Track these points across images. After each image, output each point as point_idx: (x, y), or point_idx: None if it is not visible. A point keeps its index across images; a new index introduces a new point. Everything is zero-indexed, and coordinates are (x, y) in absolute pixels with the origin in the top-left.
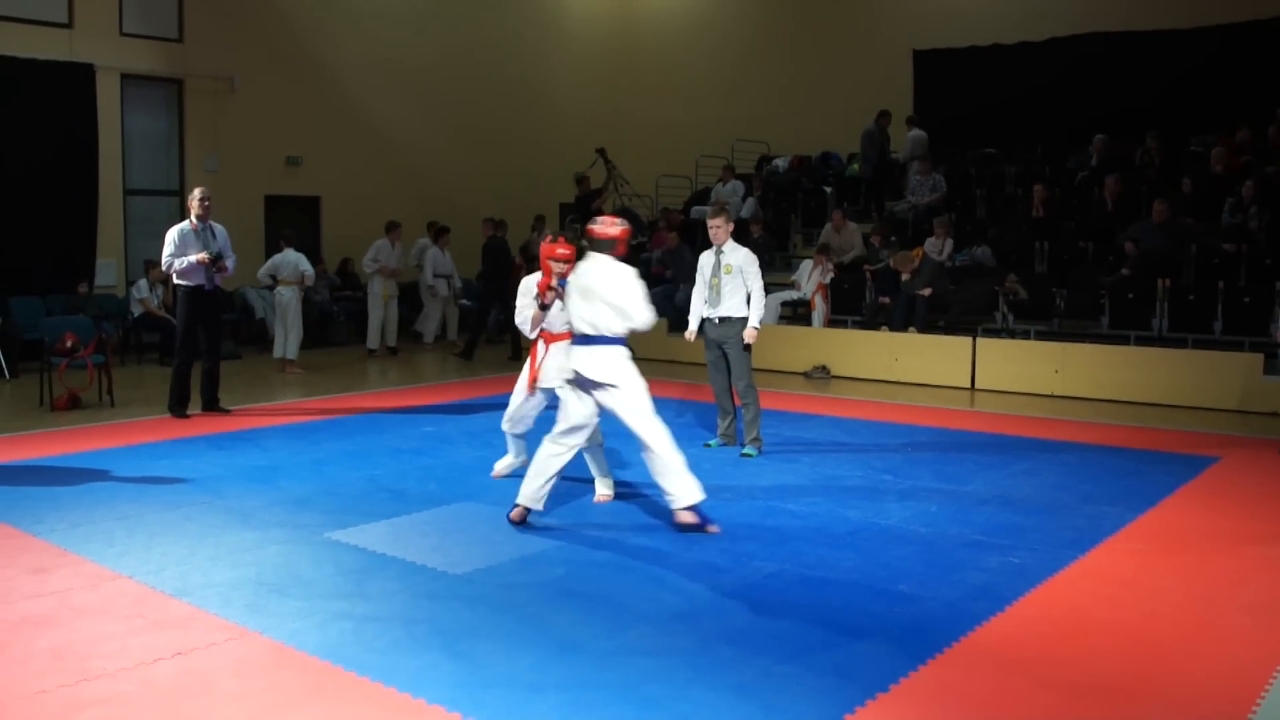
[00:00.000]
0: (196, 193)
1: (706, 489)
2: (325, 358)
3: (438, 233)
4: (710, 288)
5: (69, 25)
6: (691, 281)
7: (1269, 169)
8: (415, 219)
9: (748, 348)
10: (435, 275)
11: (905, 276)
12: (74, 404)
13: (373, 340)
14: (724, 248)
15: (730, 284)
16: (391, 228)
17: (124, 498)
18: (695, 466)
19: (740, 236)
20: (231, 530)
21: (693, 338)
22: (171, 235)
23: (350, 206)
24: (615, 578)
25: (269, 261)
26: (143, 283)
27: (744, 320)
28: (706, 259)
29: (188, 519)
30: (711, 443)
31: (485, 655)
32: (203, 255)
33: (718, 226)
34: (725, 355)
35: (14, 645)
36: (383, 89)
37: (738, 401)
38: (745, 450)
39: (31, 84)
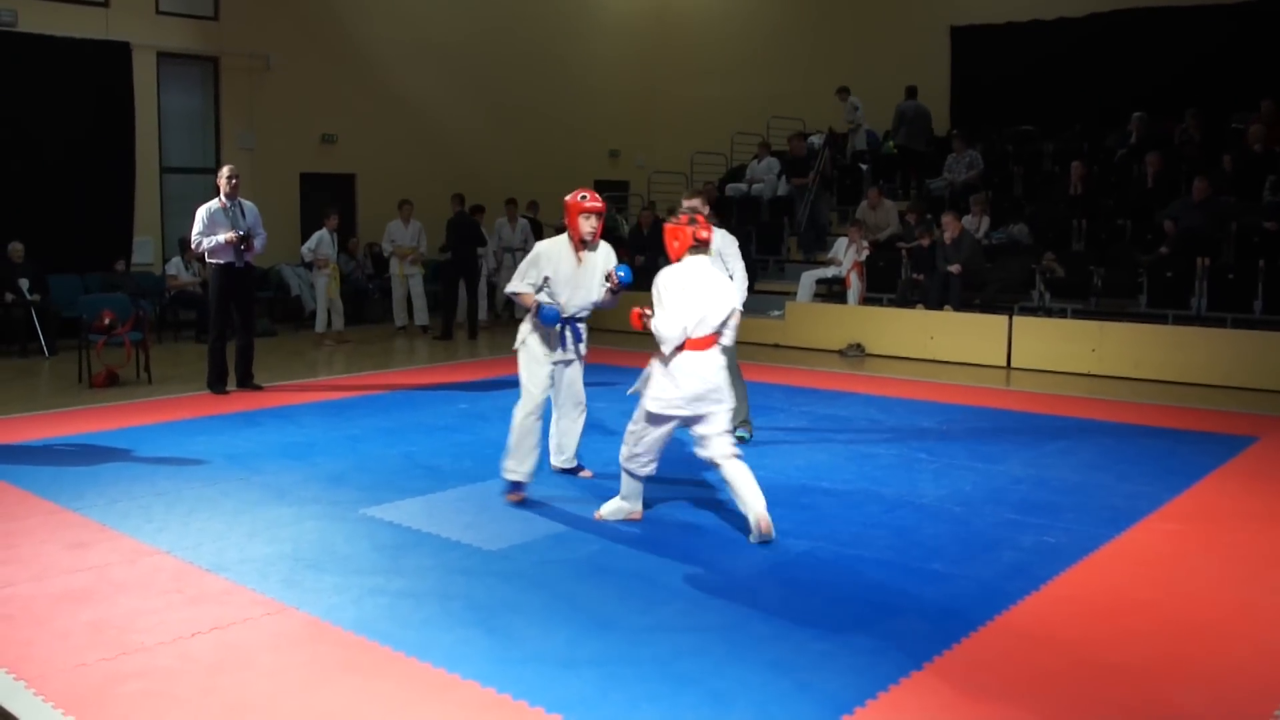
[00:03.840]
0: (225, 170)
1: None
2: (359, 334)
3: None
4: None
5: (105, 4)
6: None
7: None
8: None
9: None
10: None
11: (948, 241)
12: (112, 381)
13: (399, 318)
14: None
15: None
16: (402, 205)
17: (161, 474)
18: None
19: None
20: (267, 506)
21: None
22: (200, 214)
23: (386, 184)
24: (649, 554)
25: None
26: (177, 260)
27: None
28: None
29: (224, 495)
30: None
31: (520, 631)
32: (231, 235)
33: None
34: None
35: (54, 619)
36: (418, 67)
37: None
38: (737, 433)
39: (68, 62)
